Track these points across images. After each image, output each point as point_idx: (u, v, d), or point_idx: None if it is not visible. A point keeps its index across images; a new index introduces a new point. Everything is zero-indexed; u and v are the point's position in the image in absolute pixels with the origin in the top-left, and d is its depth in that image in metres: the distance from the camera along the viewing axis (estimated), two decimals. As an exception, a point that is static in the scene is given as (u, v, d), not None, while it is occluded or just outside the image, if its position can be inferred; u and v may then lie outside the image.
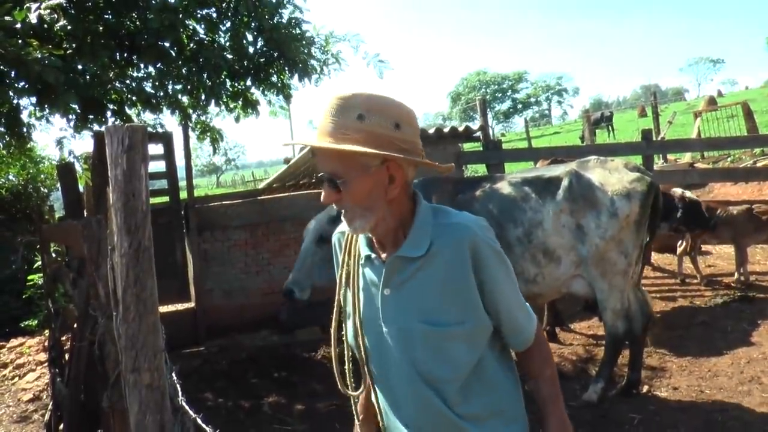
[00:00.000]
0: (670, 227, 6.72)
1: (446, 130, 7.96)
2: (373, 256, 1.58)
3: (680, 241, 7.53)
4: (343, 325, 1.67)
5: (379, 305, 1.57)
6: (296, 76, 6.00)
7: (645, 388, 4.72)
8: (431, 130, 7.76)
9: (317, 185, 4.83)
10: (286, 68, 5.99)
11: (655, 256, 8.31)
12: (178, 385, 1.79)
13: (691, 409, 4.35)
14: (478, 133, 8.07)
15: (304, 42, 5.95)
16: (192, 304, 6.75)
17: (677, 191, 6.83)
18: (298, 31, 5.92)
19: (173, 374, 1.83)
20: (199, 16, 5.74)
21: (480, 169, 14.56)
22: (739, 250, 7.21)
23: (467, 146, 8.82)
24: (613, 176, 4.48)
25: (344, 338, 1.68)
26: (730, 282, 7.24)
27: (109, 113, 5.44)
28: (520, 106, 74.96)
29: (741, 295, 6.68)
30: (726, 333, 5.71)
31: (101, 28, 5.02)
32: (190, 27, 5.80)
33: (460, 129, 7.98)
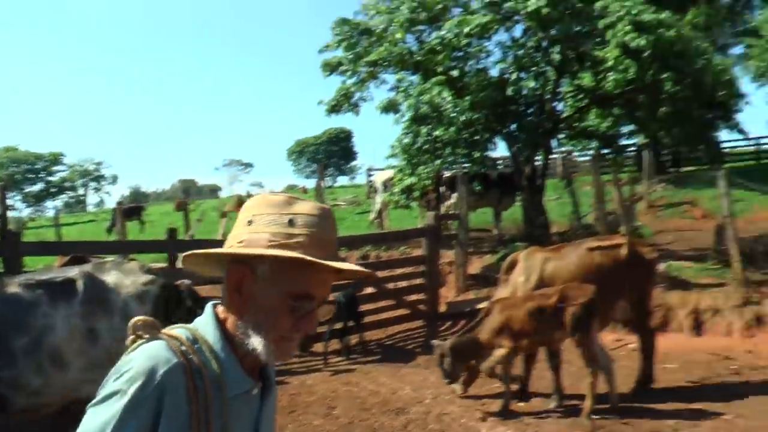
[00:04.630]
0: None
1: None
2: (254, 387, 1.30)
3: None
4: None
5: None
6: None
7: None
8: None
9: None
10: None
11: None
12: None
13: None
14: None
15: None
16: None
17: (185, 282, 7.28)
18: None
19: None
20: None
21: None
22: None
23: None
24: (128, 278, 4.65)
25: None
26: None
27: None
28: (54, 189, 69.60)
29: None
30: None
31: None
32: None
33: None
